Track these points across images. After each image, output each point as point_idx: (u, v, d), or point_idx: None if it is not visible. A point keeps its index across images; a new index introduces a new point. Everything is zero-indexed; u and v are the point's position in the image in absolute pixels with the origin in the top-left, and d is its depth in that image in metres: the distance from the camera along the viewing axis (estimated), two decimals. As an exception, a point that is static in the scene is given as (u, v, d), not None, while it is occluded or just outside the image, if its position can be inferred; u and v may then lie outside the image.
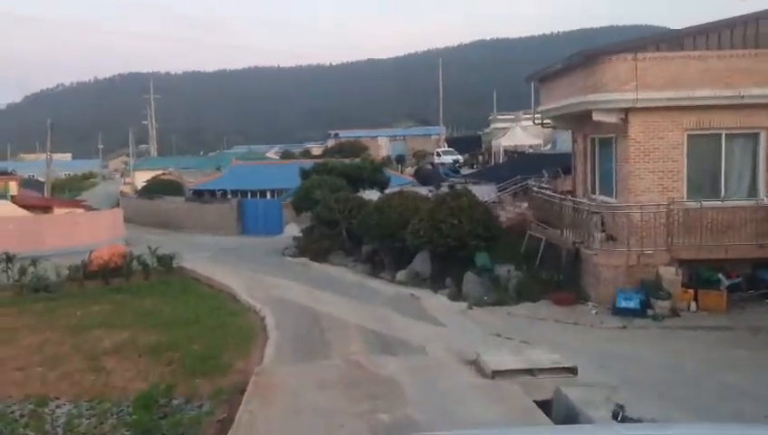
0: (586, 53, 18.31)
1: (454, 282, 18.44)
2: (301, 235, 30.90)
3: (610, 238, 17.75)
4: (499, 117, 64.70)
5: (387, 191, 30.36)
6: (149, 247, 25.72)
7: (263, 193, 42.04)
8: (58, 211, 33.59)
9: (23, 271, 24.11)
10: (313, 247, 25.33)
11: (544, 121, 25.35)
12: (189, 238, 35.83)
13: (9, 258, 24.67)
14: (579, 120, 21.21)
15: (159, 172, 47.68)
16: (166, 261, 25.03)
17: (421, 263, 19.90)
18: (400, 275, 20.00)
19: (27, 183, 54.71)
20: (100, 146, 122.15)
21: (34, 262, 24.23)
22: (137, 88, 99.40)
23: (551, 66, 21.37)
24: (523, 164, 40.44)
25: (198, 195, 42.37)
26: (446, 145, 68.30)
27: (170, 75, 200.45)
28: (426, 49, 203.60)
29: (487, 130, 78.18)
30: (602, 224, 17.83)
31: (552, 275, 18.14)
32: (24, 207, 32.52)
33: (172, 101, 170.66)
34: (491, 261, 18.68)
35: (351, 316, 15.29)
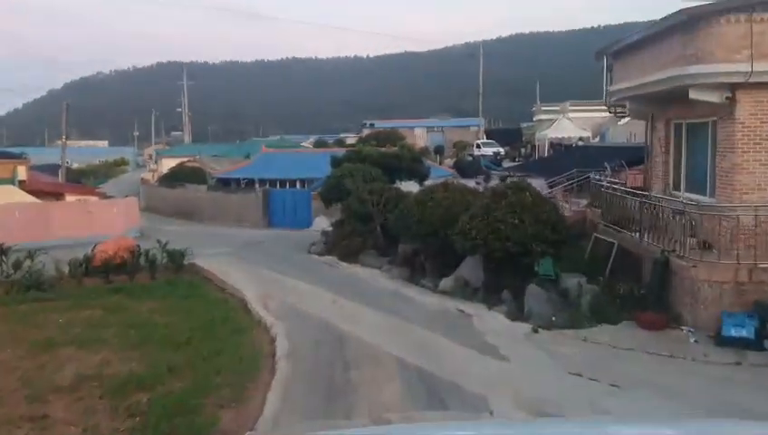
0: (687, 11, 14.30)
1: (512, 295, 14.75)
2: (330, 229, 27.52)
3: (705, 246, 13.92)
4: (543, 108, 60.29)
5: (427, 183, 26.73)
6: (159, 242, 22.57)
7: (292, 183, 38.71)
8: (70, 198, 30.70)
9: (17, 265, 21.11)
10: (343, 245, 21.82)
11: (616, 107, 21.50)
12: (211, 230, 32.66)
13: (2, 251, 21.58)
14: (662, 101, 17.32)
15: (186, 159, 44.66)
16: (176, 258, 21.80)
17: (470, 269, 16.24)
18: (445, 283, 16.35)
19: (51, 169, 52.28)
20: (136, 133, 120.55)
21: (31, 255, 21.17)
22: (175, 77, 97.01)
23: (632, 34, 17.46)
24: (575, 157, 36.47)
25: (225, 184, 39.23)
26: (485, 137, 64.29)
27: (208, 65, 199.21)
28: (463, 42, 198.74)
29: (527, 124, 73.97)
30: (692, 228, 14.00)
31: (631, 288, 14.35)
32: (33, 193, 29.69)
33: (210, 91, 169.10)
34: (556, 270, 14.98)
35: (386, 342, 11.69)
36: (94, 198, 31.32)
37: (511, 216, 14.41)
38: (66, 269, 21.43)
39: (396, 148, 27.55)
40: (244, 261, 23.04)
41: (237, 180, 38.86)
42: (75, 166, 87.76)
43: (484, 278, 15.73)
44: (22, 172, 30.19)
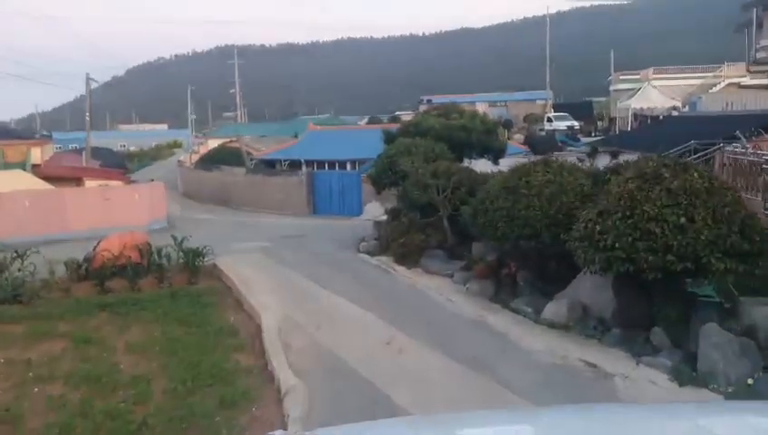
0: None
1: (668, 335, 9.06)
2: (384, 219, 22.17)
3: None
4: (622, 77, 52.96)
5: (504, 161, 20.96)
6: (174, 238, 17.64)
7: (342, 164, 33.38)
8: (90, 184, 26.22)
9: (1, 267, 16.62)
10: (400, 243, 16.34)
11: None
12: (247, 219, 27.73)
13: (-20, 249, 17.13)
14: None
15: (228, 140, 39.82)
16: (191, 260, 16.84)
17: (592, 289, 10.58)
18: (553, 309, 10.71)
19: (95, 151, 48.59)
20: (193, 116, 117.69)
21: (20, 254, 16.71)
22: (232, 60, 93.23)
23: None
24: (673, 128, 29.90)
25: (269, 166, 34.22)
26: (552, 111, 57.48)
27: (265, 48, 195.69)
28: (522, 17, 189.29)
29: (596, 100, 66.61)
30: None
31: None
32: (48, 178, 25.31)
33: (266, 74, 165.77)
34: (732, 294, 9.29)
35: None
36: (117, 183, 26.78)
37: (672, 212, 8.63)
38: (64, 271, 17.01)
39: (463, 118, 21.76)
40: (277, 262, 17.92)
41: (281, 162, 33.77)
42: (132, 149, 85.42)
43: (616, 304, 10.02)
44: (36, 155, 25.93)
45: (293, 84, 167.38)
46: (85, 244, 19.12)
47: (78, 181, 26.40)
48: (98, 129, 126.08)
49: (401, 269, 15.41)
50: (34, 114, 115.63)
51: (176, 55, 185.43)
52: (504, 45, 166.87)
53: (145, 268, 17.23)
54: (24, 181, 24.20)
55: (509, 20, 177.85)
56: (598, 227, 9.13)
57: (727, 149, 17.43)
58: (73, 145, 62.78)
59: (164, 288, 15.97)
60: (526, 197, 11.52)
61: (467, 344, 9.62)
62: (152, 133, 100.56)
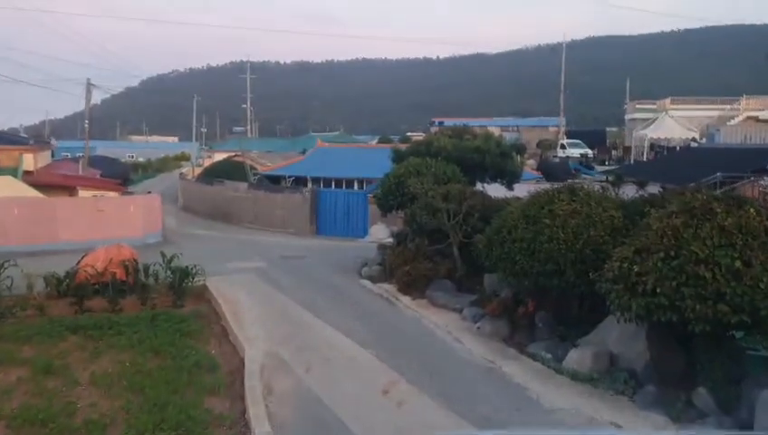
0: None
1: (715, 399, 7.67)
2: (390, 242, 20.88)
3: None
4: (638, 106, 51.63)
5: (521, 187, 19.70)
6: (163, 256, 16.33)
7: (349, 183, 32.17)
8: (84, 193, 25.04)
9: (-27, 281, 15.46)
10: (405, 271, 14.98)
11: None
12: (247, 237, 26.43)
13: (-51, 260, 15.92)
14: None
15: (233, 154, 38.67)
16: (177, 280, 15.53)
17: (622, 339, 9.20)
18: (576, 357, 9.33)
19: (98, 161, 47.66)
20: (203, 129, 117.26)
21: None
22: (246, 75, 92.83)
23: None
24: (695, 159, 28.63)
25: (273, 181, 33.00)
26: (565, 137, 56.22)
27: (280, 65, 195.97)
28: (536, 45, 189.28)
29: (612, 129, 65.45)
30: None
31: None
32: (40, 185, 24.15)
33: (280, 91, 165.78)
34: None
35: None
36: (113, 194, 25.60)
37: (726, 253, 7.28)
38: (44, 287, 15.82)
39: (477, 139, 20.52)
40: (272, 285, 16.61)
41: (284, 178, 32.51)
42: (140, 160, 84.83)
43: (650, 356, 8.63)
44: (28, 161, 24.80)
45: (307, 102, 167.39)
46: (74, 256, 17.84)
47: (71, 190, 25.26)
48: (108, 138, 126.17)
49: (406, 300, 14.04)
50: (45, 121, 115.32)
51: (190, 69, 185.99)
52: (517, 72, 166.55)
53: (130, 287, 15.97)
54: (13, 188, 23.05)
55: (522, 47, 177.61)
56: (636, 268, 7.79)
57: (761, 182, 16.13)
58: (80, 154, 61.99)
59: (146, 310, 14.71)
60: (549, 228, 10.19)
61: (479, 398, 8.22)
62: (162, 145, 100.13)
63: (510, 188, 20.03)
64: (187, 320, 13.54)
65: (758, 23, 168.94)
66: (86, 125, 30.36)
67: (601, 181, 16.07)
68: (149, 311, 14.48)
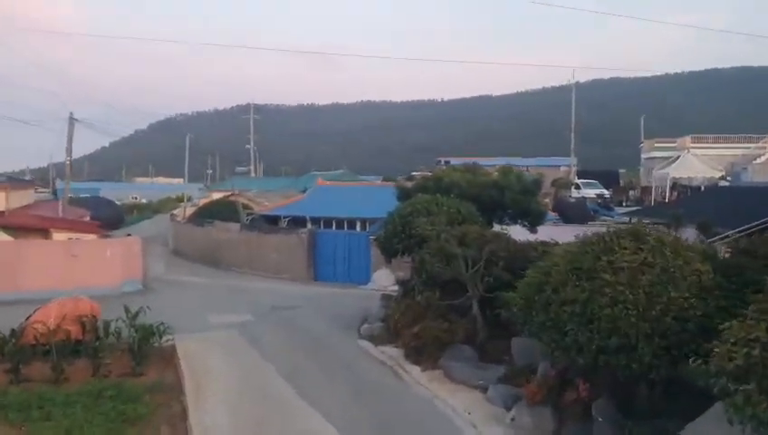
0: None
1: None
2: (395, 292, 18.06)
3: None
4: (657, 145, 48.99)
5: (548, 229, 17.01)
6: (127, 311, 13.53)
7: (351, 223, 29.38)
8: (58, 237, 22.33)
9: None
10: (414, 333, 12.08)
11: None
12: (238, 283, 23.53)
13: None
14: None
15: (228, 193, 36.05)
16: (136, 342, 12.73)
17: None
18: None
19: (91, 202, 45.21)
20: (209, 171, 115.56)
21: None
22: (255, 119, 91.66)
23: None
24: (730, 200, 25.77)
25: (272, 222, 30.26)
26: (576, 177, 53.60)
27: (285, 107, 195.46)
28: (540, 87, 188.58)
29: (621, 170, 62.82)
30: None
31: None
32: (11, 227, 21.47)
33: (285, 133, 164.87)
34: None
35: None
36: (91, 237, 22.90)
37: None
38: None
39: (495, 174, 17.87)
40: (255, 347, 13.74)
41: (279, 218, 29.75)
42: (144, 201, 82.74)
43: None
44: (0, 200, 22.20)
45: (312, 144, 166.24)
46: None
47: (46, 233, 22.64)
48: (115, 180, 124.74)
49: (414, 371, 11.11)
50: (50, 164, 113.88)
51: (197, 112, 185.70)
52: (522, 114, 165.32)
53: (88, 347, 13.13)
54: (-24, 230, 20.49)
55: (527, 89, 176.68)
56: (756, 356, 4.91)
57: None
58: (85, 194, 59.70)
59: (97, 380, 11.85)
60: (611, 286, 7.37)
61: None
62: (166, 187, 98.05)
63: (533, 230, 17.22)
64: (141, 395, 10.68)
65: (755, 65, 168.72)
66: (67, 162, 27.87)
67: (652, 223, 13.24)
68: (99, 381, 11.67)
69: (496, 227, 16.61)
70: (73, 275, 20.51)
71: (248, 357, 12.82)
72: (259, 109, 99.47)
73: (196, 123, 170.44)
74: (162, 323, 13.40)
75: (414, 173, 66.52)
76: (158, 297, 20.78)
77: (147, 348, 12.93)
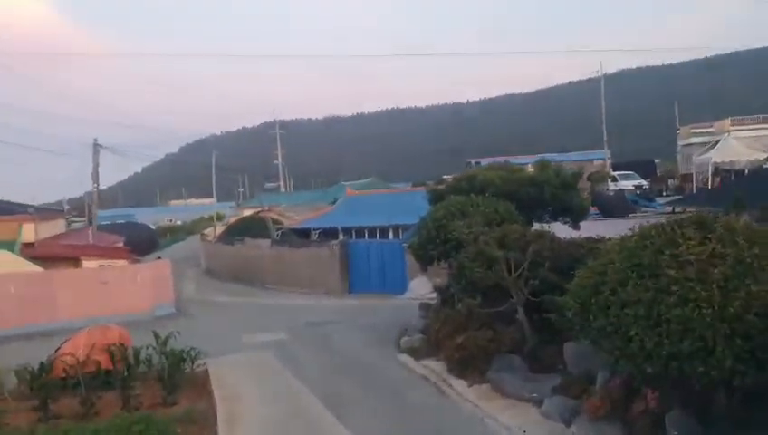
0: None
1: None
2: (433, 301, 17.31)
3: None
4: (694, 130, 47.16)
5: (593, 225, 16.06)
6: (156, 337, 13.05)
7: (383, 231, 28.65)
8: (88, 264, 22.08)
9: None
10: (457, 344, 11.25)
11: None
12: (271, 301, 23.01)
13: None
14: None
15: (259, 209, 35.60)
16: (166, 369, 12.20)
17: None
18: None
19: (124, 227, 45.41)
20: (240, 189, 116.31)
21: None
22: (281, 135, 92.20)
23: None
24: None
25: (303, 235, 29.74)
26: (611, 170, 52.04)
27: (311, 121, 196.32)
28: (566, 82, 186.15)
29: (657, 160, 60.93)
30: None
31: None
32: (41, 258, 21.30)
33: (313, 146, 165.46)
34: None
35: None
36: (121, 263, 22.62)
37: None
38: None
39: (530, 170, 16.99)
40: (290, 368, 13.05)
41: (314, 231, 29.16)
42: (178, 223, 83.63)
43: None
44: (28, 232, 22.06)
45: (339, 155, 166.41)
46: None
47: (76, 262, 22.42)
48: (148, 205, 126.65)
49: (460, 386, 10.28)
50: (86, 193, 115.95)
51: (226, 132, 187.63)
52: (550, 110, 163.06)
53: (119, 378, 12.59)
54: (8, 263, 20.25)
55: (553, 85, 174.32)
56: None
57: None
58: (120, 220, 60.30)
59: (126, 412, 11.30)
60: (679, 283, 6.46)
61: None
62: (198, 208, 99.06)
63: (575, 226, 16.25)
64: (170, 428, 10.06)
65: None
66: (93, 188, 27.73)
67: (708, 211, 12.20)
68: (129, 415, 11.10)
69: (536, 226, 15.71)
70: (105, 303, 20.23)
71: (283, 380, 12.14)
72: (285, 124, 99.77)
73: (225, 143, 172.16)
74: (193, 348, 12.86)
75: (445, 177, 65.47)
76: (190, 320, 20.36)
77: (178, 375, 12.36)
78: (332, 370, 12.53)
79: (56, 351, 13.42)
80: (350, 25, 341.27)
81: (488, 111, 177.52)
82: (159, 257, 24.53)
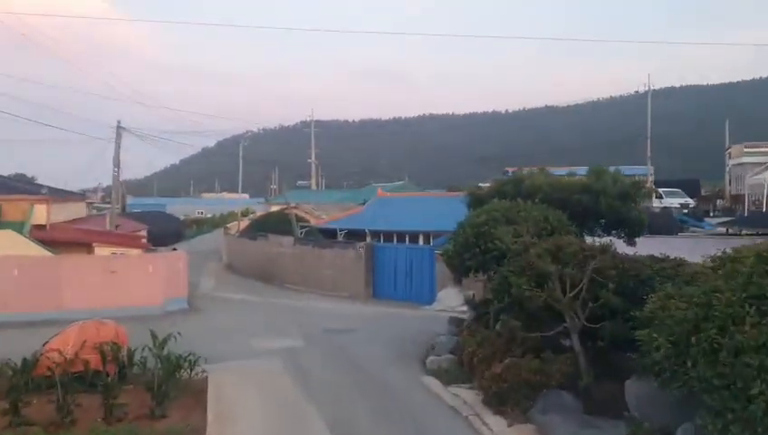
0: None
1: None
2: (464, 313, 15.59)
3: None
4: (747, 150, 44.29)
5: (648, 242, 14.07)
6: (154, 337, 11.48)
7: (413, 237, 26.83)
8: (100, 252, 20.72)
9: None
10: (496, 374, 9.38)
11: None
12: (289, 302, 21.36)
13: None
14: None
15: (284, 206, 33.97)
16: (165, 376, 10.62)
17: None
18: None
19: (149, 216, 44.38)
20: (273, 186, 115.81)
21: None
22: (317, 135, 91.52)
23: None
24: None
25: (330, 236, 28.09)
26: (653, 186, 49.42)
27: (348, 123, 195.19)
28: (608, 96, 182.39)
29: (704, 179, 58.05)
30: None
31: None
32: (51, 242, 19.98)
33: (348, 147, 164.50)
34: None
35: None
36: (135, 252, 21.21)
37: None
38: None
39: (584, 174, 15.04)
40: (299, 383, 11.34)
41: (340, 232, 27.46)
42: (208, 216, 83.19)
43: None
44: (40, 214, 20.78)
45: (374, 157, 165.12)
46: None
47: (88, 248, 21.11)
48: (182, 196, 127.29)
49: (497, 425, 8.43)
50: (122, 181, 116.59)
51: (263, 129, 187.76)
52: (590, 124, 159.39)
53: (104, 383, 11.02)
54: (14, 245, 18.99)
55: (595, 99, 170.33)
56: None
57: None
58: (151, 209, 59.58)
59: (109, 423, 9.73)
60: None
61: None
62: (230, 202, 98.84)
63: (630, 242, 14.24)
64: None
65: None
66: (114, 172, 26.45)
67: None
68: (107, 428, 9.52)
69: (587, 240, 13.77)
70: (113, 294, 18.80)
71: (289, 396, 10.44)
72: (322, 125, 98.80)
73: (262, 140, 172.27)
74: (192, 354, 11.26)
75: (482, 184, 63.38)
76: (202, 317, 18.85)
77: (172, 383, 10.74)
78: (348, 389, 10.79)
79: (44, 345, 11.93)
80: (389, 29, 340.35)
81: (526, 121, 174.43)
82: (175, 248, 23.04)
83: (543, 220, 11.55)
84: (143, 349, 11.52)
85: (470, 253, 11.58)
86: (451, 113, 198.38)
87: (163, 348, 11.46)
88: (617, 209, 13.80)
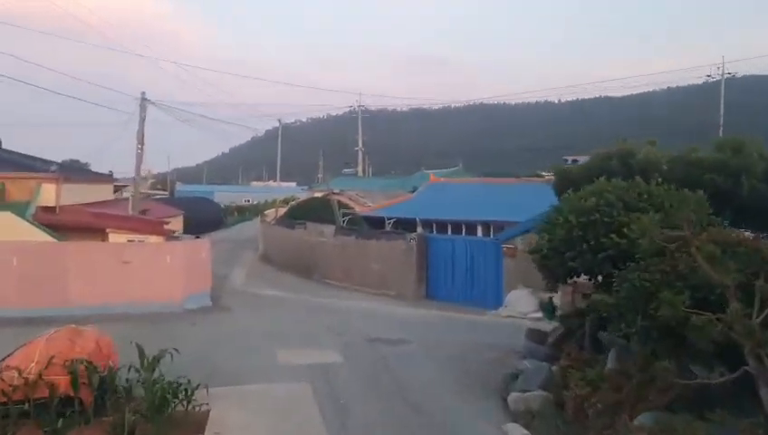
0: None
1: None
2: (547, 327, 12.22)
3: None
4: None
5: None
6: (142, 355, 8.45)
7: (471, 227, 23.33)
8: (115, 239, 17.95)
9: None
10: (636, 426, 5.92)
11: None
12: (328, 301, 18.18)
13: None
14: None
15: (326, 192, 30.69)
16: (155, 409, 7.57)
17: None
18: None
19: (188, 201, 42.04)
20: (319, 175, 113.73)
21: None
22: (366, 122, 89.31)
23: None
24: None
25: (376, 226, 24.84)
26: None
27: (397, 112, 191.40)
28: (665, 87, 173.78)
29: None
30: None
31: None
32: (61, 226, 17.31)
33: (396, 136, 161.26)
34: None
35: None
36: (155, 239, 18.40)
37: None
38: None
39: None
40: (329, 420, 8.13)
41: (388, 220, 24.13)
42: (255, 203, 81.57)
43: None
44: (48, 194, 18.04)
45: (423, 147, 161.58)
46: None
47: (102, 234, 18.41)
48: (231, 183, 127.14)
49: None
50: (171, 169, 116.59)
51: (311, 118, 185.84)
52: (646, 114, 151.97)
53: (90, 412, 8.17)
54: (14, 229, 16.38)
55: (652, 89, 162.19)
56: None
57: None
58: (198, 196, 57.42)
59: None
60: None
61: None
62: (276, 189, 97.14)
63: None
64: None
65: None
66: (138, 150, 23.66)
67: None
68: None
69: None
70: (125, 287, 15.99)
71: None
72: (371, 114, 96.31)
73: (310, 129, 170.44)
74: (189, 381, 8.22)
75: (541, 172, 59.17)
76: (224, 318, 15.90)
77: (159, 420, 7.73)
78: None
79: (3, 360, 9.04)
80: (444, 16, 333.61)
81: (579, 111, 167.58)
82: (198, 237, 20.13)
83: (682, 204, 7.93)
84: (128, 369, 8.57)
85: (575, 250, 8.09)
86: (503, 103, 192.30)
87: (153, 371, 8.49)
88: (763, 194, 10.09)
